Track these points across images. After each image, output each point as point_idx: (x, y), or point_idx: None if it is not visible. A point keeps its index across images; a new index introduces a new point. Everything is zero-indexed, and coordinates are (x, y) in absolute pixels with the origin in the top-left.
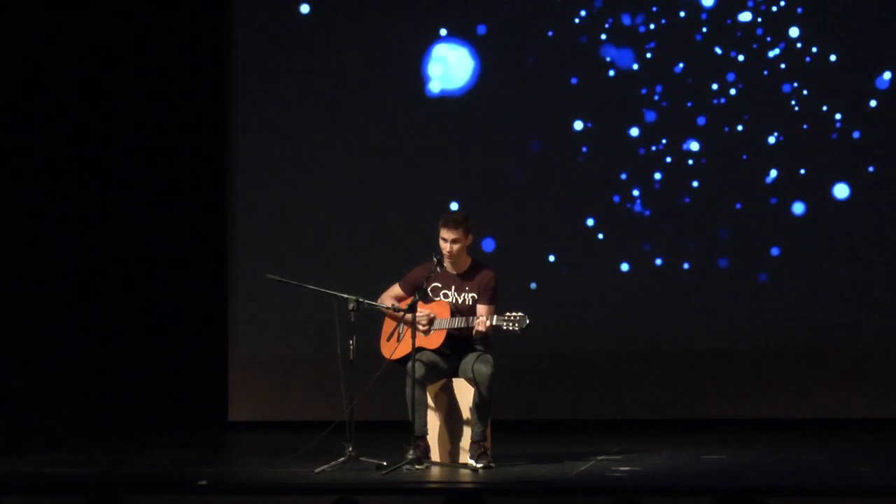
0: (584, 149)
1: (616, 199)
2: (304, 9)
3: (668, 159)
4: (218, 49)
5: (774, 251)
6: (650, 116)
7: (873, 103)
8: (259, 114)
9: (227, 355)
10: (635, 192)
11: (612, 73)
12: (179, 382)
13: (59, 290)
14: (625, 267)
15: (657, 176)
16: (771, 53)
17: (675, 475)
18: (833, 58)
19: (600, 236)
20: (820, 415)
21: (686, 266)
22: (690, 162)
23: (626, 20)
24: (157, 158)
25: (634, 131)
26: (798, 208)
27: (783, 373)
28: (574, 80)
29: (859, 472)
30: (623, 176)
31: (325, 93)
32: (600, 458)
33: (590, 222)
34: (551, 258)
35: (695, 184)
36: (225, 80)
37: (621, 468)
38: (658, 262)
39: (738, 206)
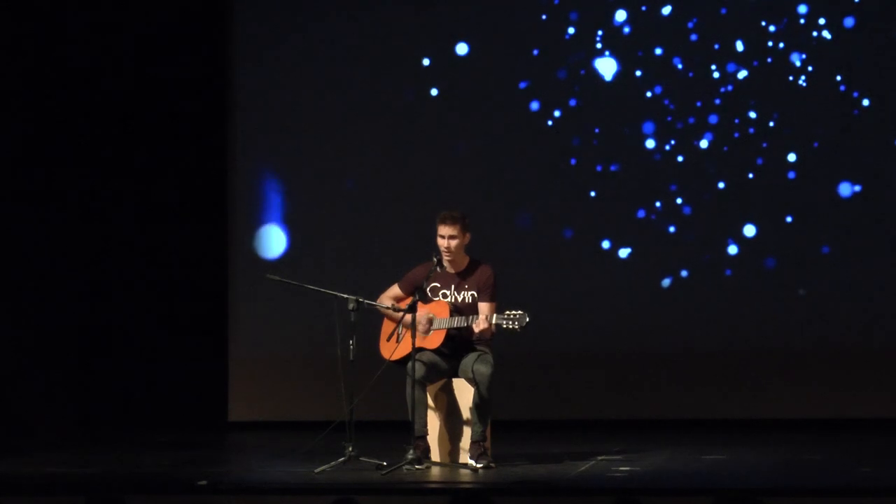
0: (598, 168)
1: (641, 213)
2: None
3: (681, 158)
4: (219, 47)
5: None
6: (659, 120)
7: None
8: (260, 113)
9: (227, 355)
10: (658, 204)
11: (608, 80)
12: (179, 382)
13: (59, 289)
14: (626, 269)
15: (676, 181)
16: (772, 29)
17: (675, 475)
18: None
19: (604, 242)
20: (820, 415)
21: (683, 268)
22: (712, 169)
23: (616, 23)
24: (158, 158)
25: (650, 143)
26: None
27: (783, 373)
28: (573, 102)
29: (859, 472)
30: (643, 186)
31: (326, 92)
32: (600, 458)
33: (605, 244)
34: (553, 263)
35: (721, 185)
36: (226, 78)
37: (621, 468)
38: (659, 263)
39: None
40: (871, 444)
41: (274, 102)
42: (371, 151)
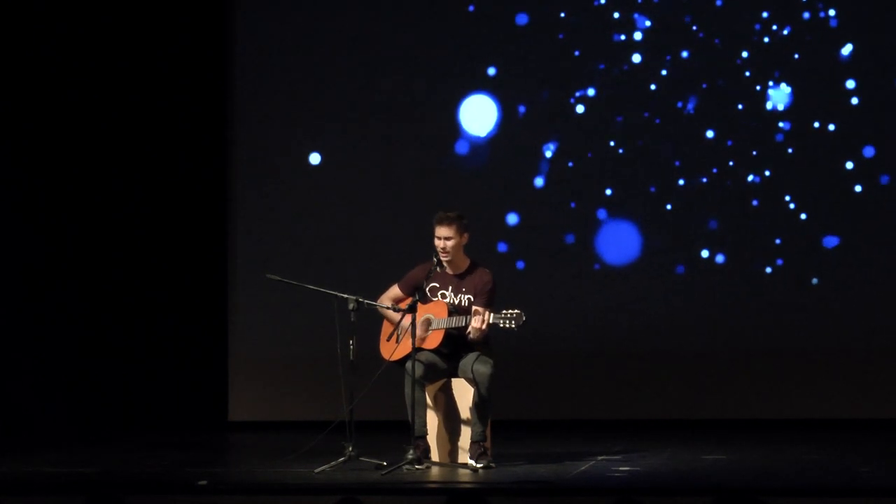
0: (595, 175)
1: (639, 213)
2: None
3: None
4: (219, 48)
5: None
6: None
7: None
8: (259, 114)
9: (227, 355)
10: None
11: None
12: (179, 382)
13: (59, 290)
14: (627, 269)
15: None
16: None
17: (675, 475)
18: None
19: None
20: (820, 415)
21: (683, 267)
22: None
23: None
24: (158, 159)
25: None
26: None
27: (784, 373)
28: (613, 147)
29: (859, 472)
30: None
31: (325, 90)
32: (600, 458)
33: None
34: (553, 263)
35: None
36: (226, 78)
37: (621, 468)
38: (658, 264)
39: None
40: (871, 444)
41: (274, 102)
42: (372, 150)
